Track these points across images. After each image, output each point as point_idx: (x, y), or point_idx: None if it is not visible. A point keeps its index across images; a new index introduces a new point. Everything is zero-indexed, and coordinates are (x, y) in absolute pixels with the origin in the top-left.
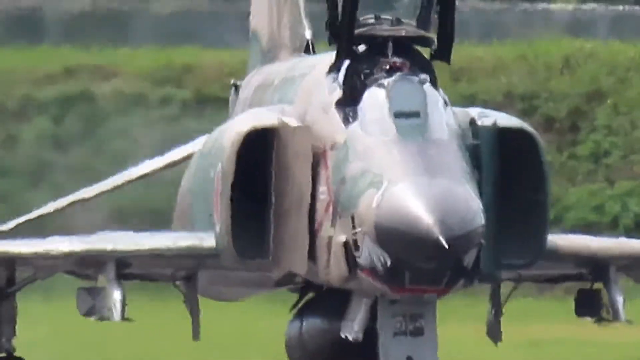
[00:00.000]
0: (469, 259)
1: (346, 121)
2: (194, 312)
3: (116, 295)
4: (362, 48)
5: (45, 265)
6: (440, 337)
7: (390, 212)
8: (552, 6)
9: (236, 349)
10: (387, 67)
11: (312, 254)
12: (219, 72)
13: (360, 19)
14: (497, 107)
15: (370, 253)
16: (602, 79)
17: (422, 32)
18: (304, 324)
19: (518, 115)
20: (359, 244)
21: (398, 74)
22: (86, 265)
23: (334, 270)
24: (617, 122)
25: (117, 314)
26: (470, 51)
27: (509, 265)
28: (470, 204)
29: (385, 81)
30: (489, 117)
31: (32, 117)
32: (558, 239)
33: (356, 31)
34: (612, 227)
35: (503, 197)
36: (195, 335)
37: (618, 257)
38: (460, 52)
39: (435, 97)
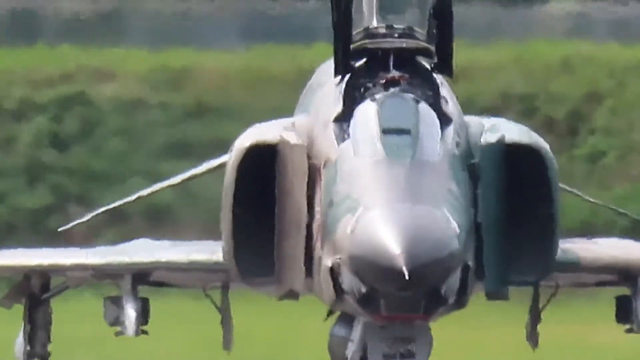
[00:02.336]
0: (447, 286)
1: (341, 138)
2: (227, 321)
3: (130, 309)
4: (363, 60)
5: (81, 275)
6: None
7: (361, 240)
8: (551, 8)
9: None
10: (384, 81)
11: (310, 273)
12: (218, 75)
13: (371, 27)
14: (496, 109)
15: (348, 279)
16: (601, 81)
17: (424, 44)
18: (334, 332)
19: (516, 117)
20: (340, 269)
21: (390, 90)
22: (104, 277)
23: (324, 291)
24: (615, 125)
25: (130, 328)
26: (469, 52)
27: (518, 282)
28: (444, 231)
29: (377, 97)
30: (495, 133)
31: (30, 118)
32: (586, 248)
33: (355, 45)
34: (608, 230)
35: (511, 212)
36: (227, 345)
37: None
38: (458, 53)
39: (429, 115)
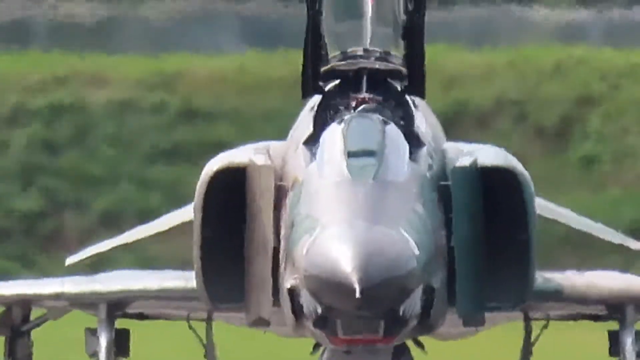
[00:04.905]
0: (406, 308)
1: (309, 160)
2: (211, 355)
3: (103, 340)
4: (335, 82)
5: (57, 305)
6: None
7: (315, 259)
8: (544, 13)
9: None
10: (354, 102)
11: (277, 299)
12: (211, 79)
13: (348, 51)
14: (488, 114)
15: (306, 300)
16: (594, 85)
17: (396, 67)
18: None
19: (510, 121)
20: (298, 290)
21: (356, 111)
22: (80, 307)
23: (285, 315)
24: (608, 129)
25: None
26: (462, 57)
27: (494, 308)
28: (401, 250)
29: (344, 118)
30: (469, 156)
31: (23, 123)
32: (570, 278)
33: (327, 66)
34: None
35: (487, 237)
36: None
37: (636, 298)
38: (451, 58)
39: (396, 136)
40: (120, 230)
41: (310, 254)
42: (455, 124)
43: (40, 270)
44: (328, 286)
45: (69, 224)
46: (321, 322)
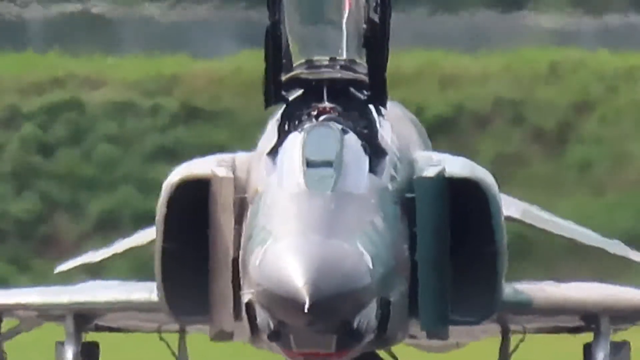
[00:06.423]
0: (361, 322)
1: (270, 170)
2: None
3: (69, 353)
4: (299, 92)
5: (26, 316)
6: None
7: (266, 272)
8: (540, 16)
9: None
10: (315, 112)
11: (238, 312)
12: (209, 80)
13: (314, 59)
14: (486, 117)
15: (260, 314)
16: (591, 89)
17: (360, 76)
18: None
19: (506, 124)
20: (253, 304)
21: (316, 121)
22: (48, 319)
23: (245, 329)
24: (606, 132)
25: None
26: (458, 61)
27: (458, 321)
28: (354, 264)
29: (303, 129)
30: (435, 167)
31: (19, 125)
32: (542, 289)
33: (287, 75)
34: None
35: (453, 250)
36: None
37: (610, 309)
38: (448, 61)
39: (356, 146)
40: (118, 233)
41: (261, 266)
42: (453, 127)
43: (35, 276)
44: (278, 300)
45: (64, 228)
46: (275, 336)
